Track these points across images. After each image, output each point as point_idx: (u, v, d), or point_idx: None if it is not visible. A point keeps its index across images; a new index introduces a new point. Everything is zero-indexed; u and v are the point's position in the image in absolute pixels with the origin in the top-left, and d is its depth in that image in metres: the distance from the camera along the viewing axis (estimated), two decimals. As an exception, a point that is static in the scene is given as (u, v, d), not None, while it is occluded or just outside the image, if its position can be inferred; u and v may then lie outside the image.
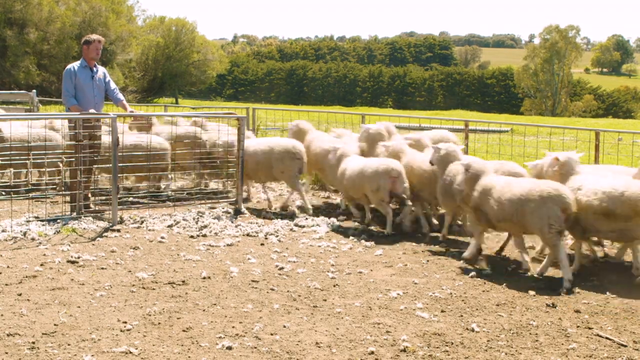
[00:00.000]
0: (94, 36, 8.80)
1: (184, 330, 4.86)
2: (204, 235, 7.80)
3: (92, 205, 8.65)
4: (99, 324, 4.93)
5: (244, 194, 9.58)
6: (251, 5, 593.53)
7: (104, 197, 8.95)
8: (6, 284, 5.79)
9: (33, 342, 4.55)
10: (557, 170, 6.56)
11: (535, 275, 6.52)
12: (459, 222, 8.37)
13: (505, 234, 7.45)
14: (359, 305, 5.55)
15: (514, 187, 6.44)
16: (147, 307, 5.33)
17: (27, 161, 9.53)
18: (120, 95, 9.03)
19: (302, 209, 9.27)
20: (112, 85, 8.99)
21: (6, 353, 4.37)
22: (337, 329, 5.00)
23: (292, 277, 6.30)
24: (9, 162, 9.36)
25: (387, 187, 8.01)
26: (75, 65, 8.65)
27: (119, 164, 8.38)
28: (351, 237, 7.93)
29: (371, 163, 8.25)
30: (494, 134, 17.96)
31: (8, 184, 9.74)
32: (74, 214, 8.28)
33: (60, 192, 9.22)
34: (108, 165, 8.57)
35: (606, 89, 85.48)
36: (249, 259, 6.85)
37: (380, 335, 4.90)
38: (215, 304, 5.45)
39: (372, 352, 4.57)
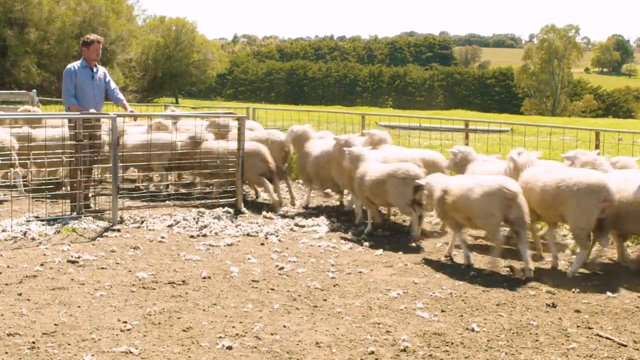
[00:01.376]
0: (93, 36, 8.76)
1: (184, 330, 4.86)
2: (204, 235, 7.80)
3: (92, 205, 8.66)
4: (99, 323, 4.93)
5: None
6: (251, 5, 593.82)
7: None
8: (6, 284, 5.80)
9: (33, 342, 4.55)
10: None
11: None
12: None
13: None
14: (359, 305, 5.55)
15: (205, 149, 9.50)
16: (147, 307, 5.33)
17: (27, 161, 9.52)
18: (121, 95, 9.03)
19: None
20: (113, 85, 8.98)
21: (6, 353, 4.37)
22: (337, 328, 5.00)
23: (292, 277, 6.30)
24: (9, 162, 9.36)
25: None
26: (75, 65, 8.64)
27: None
28: (351, 237, 7.93)
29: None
30: (494, 133, 17.97)
31: (8, 183, 9.74)
32: (74, 214, 8.28)
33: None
34: (108, 165, 8.56)
35: (606, 89, 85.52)
36: (249, 258, 6.85)
37: (380, 335, 4.90)
38: (215, 304, 5.45)
39: (372, 352, 4.57)
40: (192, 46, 52.70)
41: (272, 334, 4.84)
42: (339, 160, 8.69)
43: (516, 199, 6.58)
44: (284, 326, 5.00)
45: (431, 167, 8.42)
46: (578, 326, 5.21)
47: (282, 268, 6.54)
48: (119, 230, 7.82)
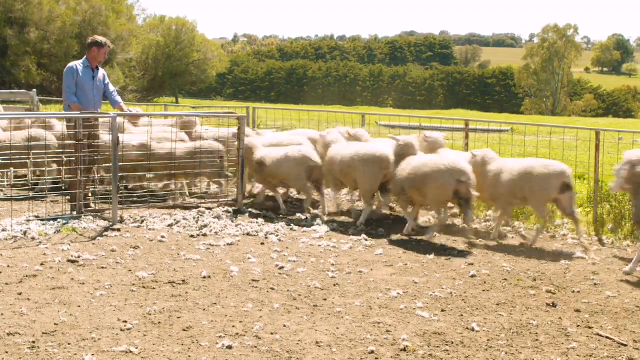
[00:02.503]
0: (104, 39, 8.80)
1: (184, 330, 4.86)
2: (204, 235, 7.80)
3: (92, 205, 8.66)
4: (99, 323, 4.93)
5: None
6: (251, 4, 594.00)
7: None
8: (6, 284, 5.80)
9: (33, 342, 4.55)
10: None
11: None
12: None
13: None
14: (359, 304, 5.55)
15: None
16: (147, 306, 5.33)
17: (27, 160, 9.52)
18: (119, 98, 9.02)
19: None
20: (111, 87, 8.98)
21: (6, 352, 4.37)
22: (338, 328, 5.01)
23: (292, 276, 6.30)
24: (9, 161, 9.36)
25: None
26: (77, 63, 8.64)
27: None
28: (351, 237, 7.93)
29: None
30: (494, 133, 17.96)
31: (8, 183, 9.74)
32: (74, 214, 8.28)
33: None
34: (108, 165, 8.56)
35: (606, 89, 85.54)
36: (249, 258, 6.85)
37: (380, 334, 4.90)
38: (215, 304, 5.45)
39: (373, 352, 4.57)
40: (192, 46, 52.72)
41: (272, 334, 4.84)
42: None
43: (317, 165, 8.90)
44: (284, 326, 5.00)
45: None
46: (578, 326, 5.21)
47: (282, 267, 6.54)
48: (119, 230, 7.82)
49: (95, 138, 8.61)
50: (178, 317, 5.11)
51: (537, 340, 4.90)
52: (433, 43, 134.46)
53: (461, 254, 7.37)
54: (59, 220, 8.04)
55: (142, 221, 8.24)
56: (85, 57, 8.72)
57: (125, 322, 4.97)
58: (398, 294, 5.84)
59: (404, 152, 8.25)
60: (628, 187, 6.91)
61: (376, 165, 8.43)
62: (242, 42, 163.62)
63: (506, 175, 7.85)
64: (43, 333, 4.71)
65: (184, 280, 6.04)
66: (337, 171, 8.83)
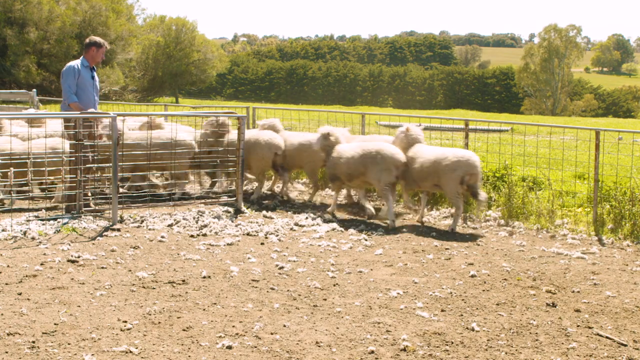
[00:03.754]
0: (102, 40, 8.82)
1: (184, 330, 4.86)
2: (204, 235, 7.80)
3: (92, 205, 8.66)
4: (99, 323, 4.93)
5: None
6: (251, 4, 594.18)
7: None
8: (6, 283, 5.80)
9: (33, 342, 4.55)
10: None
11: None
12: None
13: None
14: (359, 304, 5.55)
15: None
16: (147, 306, 5.33)
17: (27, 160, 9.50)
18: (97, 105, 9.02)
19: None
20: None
21: (6, 352, 4.37)
22: (337, 328, 5.01)
23: (292, 276, 6.30)
24: (9, 161, 9.34)
25: None
26: (77, 63, 8.64)
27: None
28: (351, 237, 7.93)
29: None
30: (494, 133, 17.96)
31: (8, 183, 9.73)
32: (74, 213, 8.27)
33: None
34: (108, 165, 8.57)
35: (606, 89, 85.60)
36: (249, 258, 6.85)
37: (380, 334, 4.90)
38: (215, 303, 5.45)
39: (372, 352, 4.57)
40: (192, 46, 52.62)
41: (272, 334, 4.84)
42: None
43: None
44: (284, 326, 5.00)
45: None
46: (578, 326, 5.21)
47: (282, 267, 6.54)
48: (119, 230, 7.82)
49: (94, 138, 8.60)
50: (178, 317, 5.11)
51: (537, 340, 4.90)
52: (433, 43, 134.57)
53: (461, 253, 7.37)
54: (58, 220, 8.04)
55: (142, 221, 8.24)
56: (82, 57, 8.73)
57: (125, 322, 4.97)
58: (398, 293, 5.84)
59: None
60: (322, 154, 9.26)
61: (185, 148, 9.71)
62: (242, 42, 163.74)
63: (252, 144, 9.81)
64: (43, 333, 4.71)
65: (183, 280, 6.04)
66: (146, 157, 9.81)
